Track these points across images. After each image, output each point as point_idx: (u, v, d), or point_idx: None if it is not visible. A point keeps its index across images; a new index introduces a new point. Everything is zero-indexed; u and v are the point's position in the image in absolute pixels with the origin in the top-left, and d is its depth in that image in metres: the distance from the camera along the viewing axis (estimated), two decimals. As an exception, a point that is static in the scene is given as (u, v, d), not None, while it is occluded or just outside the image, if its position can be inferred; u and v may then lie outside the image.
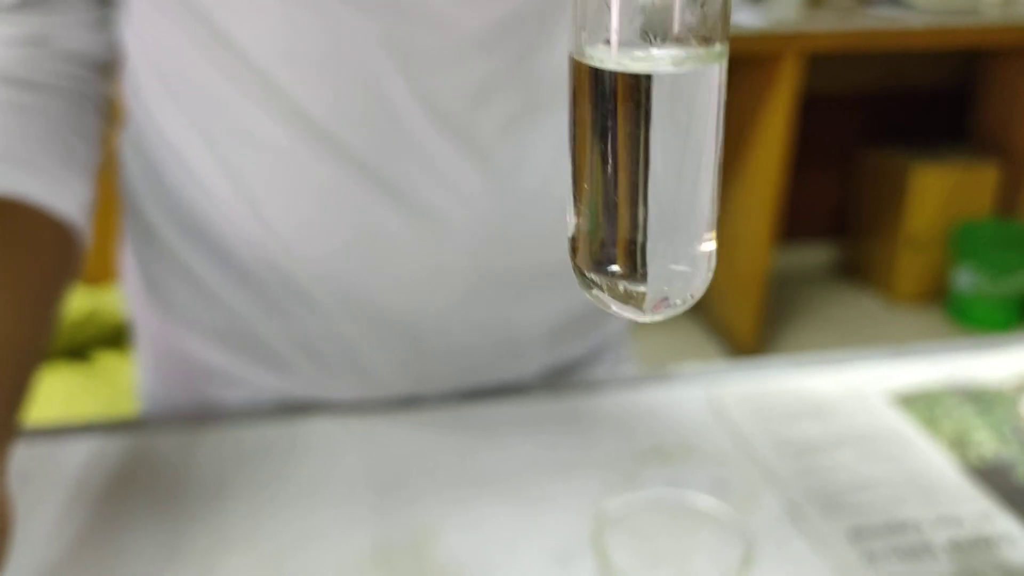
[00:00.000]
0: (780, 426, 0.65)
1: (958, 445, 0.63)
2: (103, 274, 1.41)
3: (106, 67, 0.59)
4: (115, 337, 1.55)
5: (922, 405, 0.68)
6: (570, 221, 0.27)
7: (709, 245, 0.27)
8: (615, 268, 0.26)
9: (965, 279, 2.73)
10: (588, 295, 0.28)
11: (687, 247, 0.26)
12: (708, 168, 0.26)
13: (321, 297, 0.62)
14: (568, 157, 0.27)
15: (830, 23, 2.40)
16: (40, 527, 0.55)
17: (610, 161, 0.25)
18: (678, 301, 0.27)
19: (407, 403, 0.68)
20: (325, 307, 0.63)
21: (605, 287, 0.27)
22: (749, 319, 2.55)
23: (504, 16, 0.54)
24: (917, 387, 0.70)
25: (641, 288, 0.26)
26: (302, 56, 0.54)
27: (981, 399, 0.68)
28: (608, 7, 0.24)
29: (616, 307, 0.27)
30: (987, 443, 0.64)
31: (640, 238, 0.26)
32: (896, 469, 0.61)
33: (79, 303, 1.51)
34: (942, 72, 3.00)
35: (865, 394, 0.69)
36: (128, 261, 0.71)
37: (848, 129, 3.00)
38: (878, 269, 2.97)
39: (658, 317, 0.27)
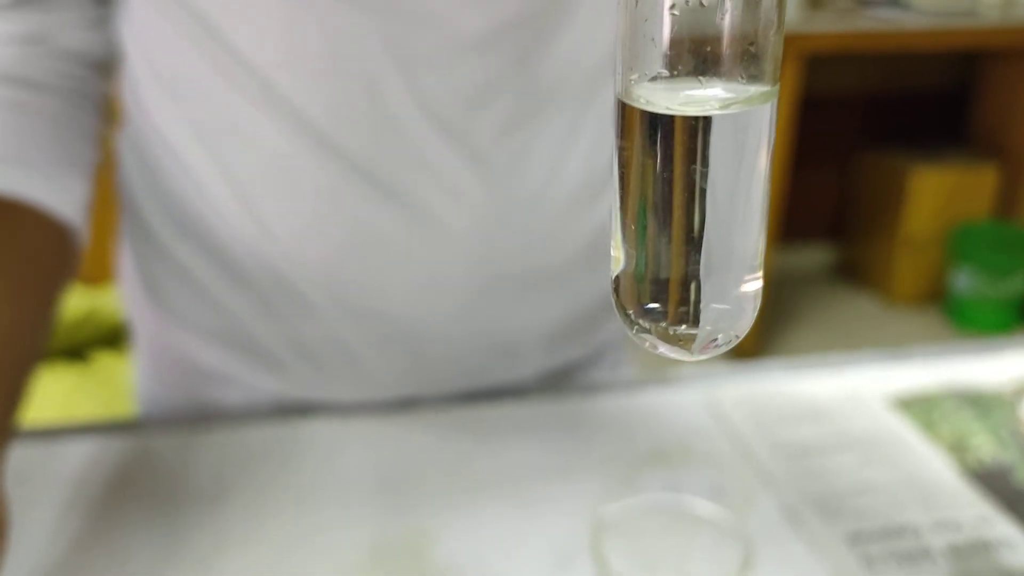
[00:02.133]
0: (779, 429, 0.65)
1: (957, 449, 0.63)
2: (101, 274, 1.41)
3: (104, 66, 0.59)
4: (113, 337, 1.55)
5: (920, 409, 0.68)
6: (615, 261, 0.27)
7: (756, 284, 0.27)
8: (663, 310, 0.26)
9: (963, 281, 2.73)
10: (632, 336, 0.27)
11: (735, 287, 0.26)
12: (757, 208, 0.26)
13: (318, 299, 0.62)
14: (615, 197, 0.27)
15: (829, 24, 2.40)
16: (37, 528, 0.55)
17: (659, 202, 0.25)
18: (724, 341, 0.27)
19: (405, 405, 0.68)
20: (322, 309, 0.63)
21: (652, 329, 0.27)
22: (747, 320, 2.55)
23: (502, 19, 0.54)
24: (916, 391, 0.70)
25: (691, 331, 0.26)
26: (300, 58, 0.54)
27: (979, 403, 0.68)
28: (656, 44, 0.24)
29: (664, 348, 0.27)
30: (986, 447, 0.64)
31: (690, 280, 0.26)
32: (894, 473, 0.61)
33: (77, 303, 1.50)
34: (941, 74, 3.01)
35: (863, 398, 0.69)
36: (126, 261, 0.71)
37: (847, 130, 3.00)
38: (876, 270, 2.97)
39: (704, 357, 0.27)
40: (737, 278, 0.26)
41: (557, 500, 0.58)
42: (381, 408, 0.67)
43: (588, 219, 0.64)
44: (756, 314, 0.27)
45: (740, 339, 0.27)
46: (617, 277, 0.27)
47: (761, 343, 2.65)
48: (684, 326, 0.26)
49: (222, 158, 0.59)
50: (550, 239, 0.63)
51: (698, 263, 0.26)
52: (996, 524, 0.56)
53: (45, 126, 0.54)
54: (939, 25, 2.41)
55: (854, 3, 2.59)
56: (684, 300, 0.26)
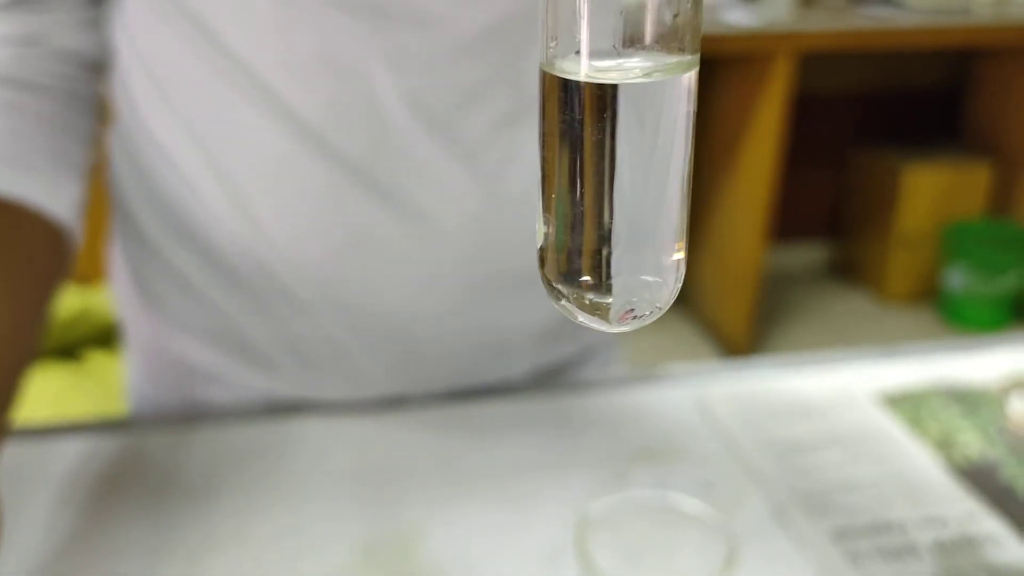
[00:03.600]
0: (767, 426, 0.66)
1: (944, 446, 0.64)
2: (94, 273, 1.41)
3: (99, 67, 0.60)
4: (106, 337, 1.55)
5: (908, 405, 0.68)
6: (539, 231, 0.27)
7: (677, 255, 0.27)
8: (581, 279, 0.26)
9: (957, 279, 2.74)
10: (555, 305, 0.28)
11: (654, 258, 0.26)
12: (676, 178, 0.26)
13: (310, 298, 0.62)
14: (539, 168, 0.27)
15: (823, 23, 2.40)
16: (29, 527, 0.55)
17: (578, 172, 0.25)
18: (645, 312, 0.27)
19: (395, 403, 0.68)
20: (314, 308, 0.63)
21: (572, 298, 0.27)
22: (741, 318, 2.55)
23: (494, 20, 0.54)
24: (904, 387, 0.70)
25: (607, 299, 0.26)
26: (294, 59, 0.54)
27: (967, 400, 0.69)
28: (580, 17, 0.24)
29: (583, 318, 0.27)
30: (973, 444, 0.64)
31: (606, 249, 0.26)
32: (882, 470, 0.61)
33: (70, 302, 1.50)
34: (934, 72, 3.01)
35: (852, 394, 0.70)
36: (117, 261, 0.71)
37: (841, 129, 3.01)
38: (870, 269, 2.98)
39: (624, 328, 0.27)
40: (656, 249, 0.26)
41: (546, 497, 0.58)
42: (371, 406, 0.67)
43: None
44: (679, 285, 0.27)
45: (662, 311, 0.27)
46: (541, 248, 0.27)
47: (755, 341, 2.65)
48: (599, 295, 0.26)
49: (214, 158, 0.59)
50: (540, 238, 0.63)
51: (613, 233, 0.26)
52: (982, 520, 0.57)
53: (40, 127, 0.54)
54: (933, 23, 2.42)
55: (847, 1, 2.59)
56: (599, 270, 0.26)
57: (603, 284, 0.26)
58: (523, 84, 0.57)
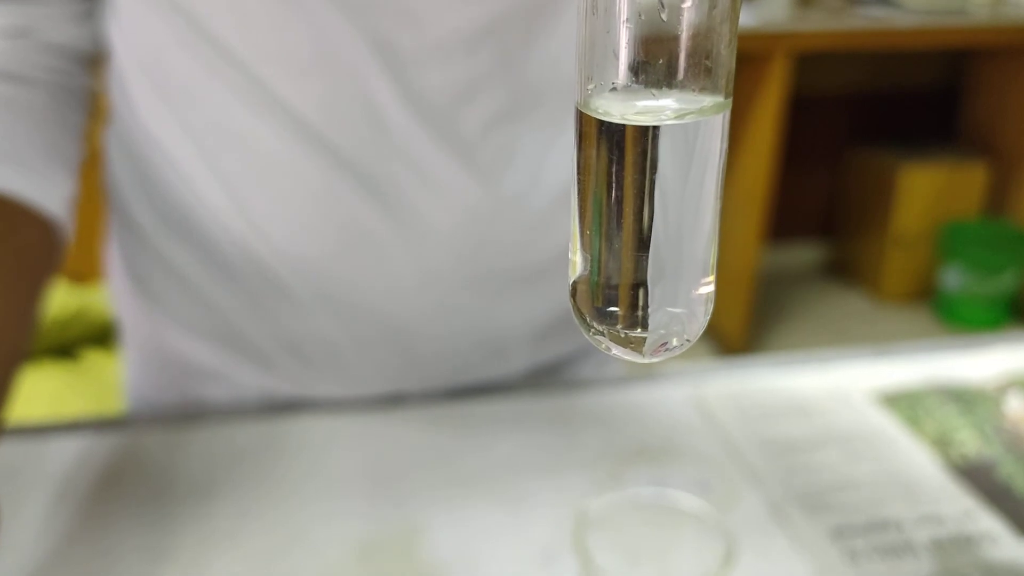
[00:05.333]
0: (764, 425, 0.66)
1: (941, 444, 0.64)
2: (90, 272, 1.41)
3: (90, 60, 0.59)
4: (102, 335, 1.55)
5: (905, 404, 0.68)
6: (572, 264, 0.28)
7: (707, 288, 0.27)
8: (616, 313, 0.27)
9: (953, 278, 2.74)
10: (588, 337, 0.28)
11: (687, 292, 0.27)
12: (709, 215, 0.26)
13: (306, 296, 0.62)
14: (573, 203, 0.27)
15: (819, 23, 2.40)
16: (26, 526, 0.55)
17: (613, 209, 0.26)
18: (676, 344, 0.27)
19: (392, 402, 0.68)
20: (310, 306, 0.63)
21: (606, 331, 0.27)
22: (738, 318, 2.56)
23: (488, 17, 0.54)
24: (900, 386, 0.71)
25: (642, 334, 0.27)
26: (286, 55, 0.54)
27: (964, 398, 0.69)
28: (616, 56, 0.24)
29: (616, 350, 0.28)
30: (969, 442, 0.64)
31: (641, 285, 0.26)
32: (879, 468, 0.61)
33: (66, 301, 1.50)
34: (931, 72, 3.02)
35: (849, 394, 0.70)
36: (114, 258, 0.71)
37: (837, 128, 3.01)
38: (866, 268, 2.98)
39: (656, 359, 0.28)
40: (688, 284, 0.27)
41: (544, 496, 0.58)
42: (369, 404, 0.67)
43: None
44: (708, 318, 0.28)
45: (692, 343, 0.28)
46: (574, 281, 0.28)
47: (752, 341, 2.66)
48: (635, 329, 0.27)
49: (210, 155, 0.59)
50: (538, 235, 0.63)
51: (649, 270, 0.26)
52: (979, 518, 0.57)
53: (30, 121, 0.54)
54: (929, 23, 2.42)
55: (844, 1, 2.59)
56: (635, 304, 0.27)
57: (638, 319, 0.27)
58: (519, 81, 0.57)
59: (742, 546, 0.53)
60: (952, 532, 0.56)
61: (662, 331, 0.27)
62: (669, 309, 0.27)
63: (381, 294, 0.62)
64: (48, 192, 0.54)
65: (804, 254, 3.19)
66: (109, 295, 0.75)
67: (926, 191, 2.75)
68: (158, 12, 0.56)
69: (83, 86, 0.59)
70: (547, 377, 0.74)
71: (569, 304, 0.29)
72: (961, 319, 2.77)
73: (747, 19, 2.32)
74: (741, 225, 2.48)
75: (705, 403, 0.68)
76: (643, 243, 0.26)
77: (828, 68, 2.87)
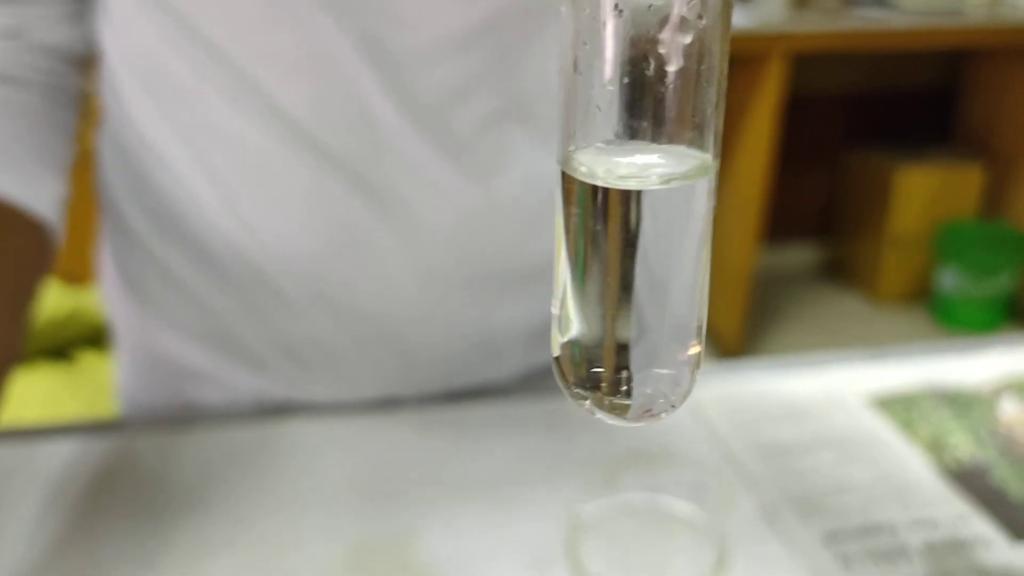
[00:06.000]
0: (758, 429, 0.66)
1: (935, 448, 0.64)
2: (84, 274, 1.40)
3: (82, 61, 0.59)
4: (96, 337, 1.55)
5: (899, 408, 0.68)
6: (554, 328, 0.27)
7: (693, 351, 0.27)
8: (600, 378, 0.26)
9: (949, 280, 2.74)
10: (573, 402, 0.28)
11: (673, 357, 0.26)
12: (695, 278, 0.26)
13: (299, 297, 0.62)
14: (556, 262, 0.27)
15: (816, 24, 2.41)
16: (18, 529, 0.55)
17: (597, 271, 0.25)
18: (661, 410, 0.27)
19: (386, 404, 0.68)
20: (303, 307, 0.63)
21: (590, 398, 0.27)
22: (734, 319, 2.56)
23: (481, 19, 0.54)
24: (895, 390, 0.71)
25: (626, 401, 0.26)
26: (278, 56, 0.54)
27: (958, 402, 0.69)
28: (599, 111, 0.24)
29: (601, 415, 0.27)
30: (963, 446, 0.64)
31: (625, 350, 0.26)
32: (872, 472, 0.61)
33: (60, 302, 1.50)
34: (927, 73, 3.02)
35: (843, 397, 0.70)
36: (106, 260, 0.71)
37: (833, 130, 3.01)
38: (862, 269, 2.98)
39: (641, 423, 0.27)
40: (674, 348, 0.26)
41: (537, 500, 0.58)
42: (363, 407, 0.67)
43: None
44: (695, 383, 0.27)
45: (677, 409, 0.27)
46: (559, 352, 0.27)
47: (748, 342, 2.66)
48: (619, 396, 0.26)
49: (202, 156, 0.59)
50: (532, 237, 0.63)
51: (634, 335, 0.26)
52: (973, 522, 0.57)
53: (21, 121, 0.54)
54: (925, 24, 2.42)
55: (840, 2, 2.59)
56: (619, 371, 0.26)
57: (623, 386, 0.26)
58: (512, 82, 0.57)
59: (735, 550, 0.52)
60: (946, 536, 0.55)
61: (647, 396, 0.26)
62: (654, 373, 0.26)
63: (375, 296, 0.62)
64: (38, 193, 0.54)
65: (800, 255, 3.19)
66: (102, 297, 0.75)
67: (922, 192, 2.75)
68: (148, 12, 0.56)
69: (74, 87, 0.59)
70: (542, 380, 0.74)
71: (553, 368, 0.28)
72: (957, 320, 2.77)
73: (743, 20, 2.32)
74: (737, 226, 2.48)
75: (699, 406, 0.68)
76: (627, 307, 0.25)
77: (824, 69, 2.87)
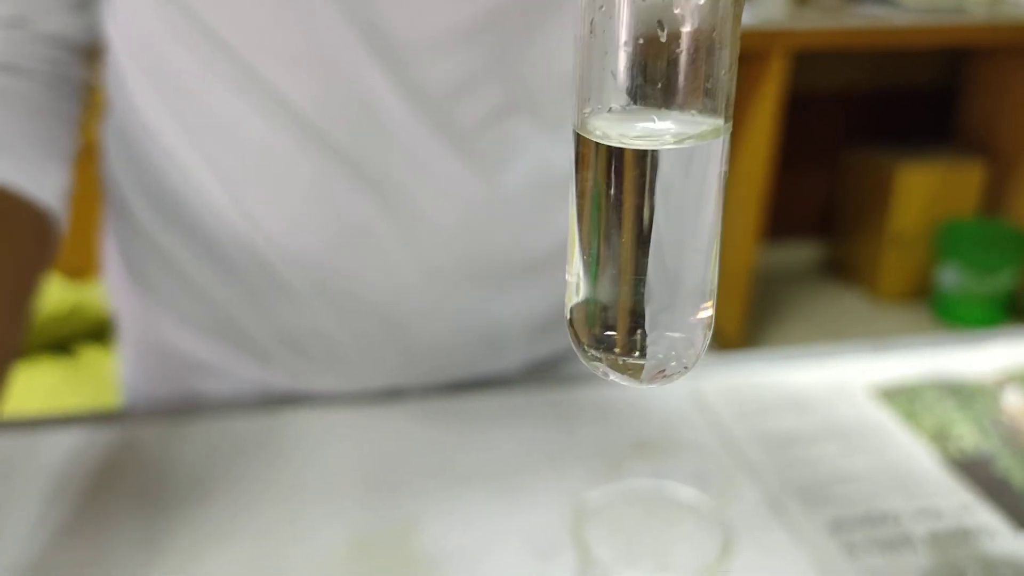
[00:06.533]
0: (762, 419, 0.66)
1: (939, 438, 0.64)
2: (86, 268, 1.40)
3: (86, 51, 0.59)
4: (98, 331, 1.55)
5: (903, 399, 0.68)
6: (569, 292, 0.28)
7: (706, 313, 0.27)
8: (613, 339, 0.27)
9: (950, 277, 2.74)
10: (585, 363, 0.28)
11: (685, 318, 0.26)
12: (708, 240, 0.26)
13: (303, 289, 0.62)
14: (570, 226, 0.27)
15: (817, 21, 2.40)
16: (21, 520, 0.54)
17: (612, 233, 0.26)
18: (673, 371, 0.27)
19: (390, 396, 0.68)
20: (307, 299, 0.63)
21: (604, 359, 0.27)
22: (735, 317, 2.56)
23: (486, 10, 0.54)
24: (898, 381, 0.71)
25: (639, 360, 0.27)
26: (282, 48, 0.54)
27: (962, 393, 0.69)
28: (614, 77, 0.24)
29: (614, 376, 0.27)
30: (967, 436, 0.64)
31: (639, 310, 0.26)
32: (877, 462, 0.61)
33: (62, 297, 1.50)
34: (928, 71, 3.02)
35: (847, 388, 0.70)
36: (111, 252, 0.71)
37: (834, 127, 3.01)
38: (863, 267, 2.98)
39: (654, 385, 0.27)
40: (687, 309, 0.26)
41: (542, 490, 0.58)
42: (366, 398, 0.67)
43: None
44: (707, 344, 0.27)
45: (689, 370, 0.27)
46: (572, 307, 0.28)
47: (749, 340, 2.66)
48: (633, 356, 0.27)
49: (206, 147, 0.59)
50: (536, 229, 0.63)
51: (647, 297, 0.26)
52: (977, 512, 0.57)
53: (26, 111, 0.54)
54: (926, 22, 2.42)
55: (841, 0, 2.59)
56: (633, 331, 0.26)
57: (636, 345, 0.26)
58: (517, 75, 0.57)
59: (740, 539, 0.52)
60: (950, 526, 0.55)
61: (660, 357, 0.26)
62: (667, 334, 0.26)
63: (379, 287, 0.62)
64: (42, 183, 0.54)
65: (801, 253, 3.19)
66: (106, 289, 0.75)
67: (923, 190, 2.75)
68: (153, 3, 0.56)
69: (78, 76, 0.59)
70: (545, 372, 0.74)
71: (567, 329, 0.28)
72: (958, 318, 2.77)
73: (745, 17, 2.31)
74: (738, 224, 2.48)
75: (703, 398, 0.68)
76: (641, 268, 0.26)
77: (826, 67, 2.87)
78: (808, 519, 0.56)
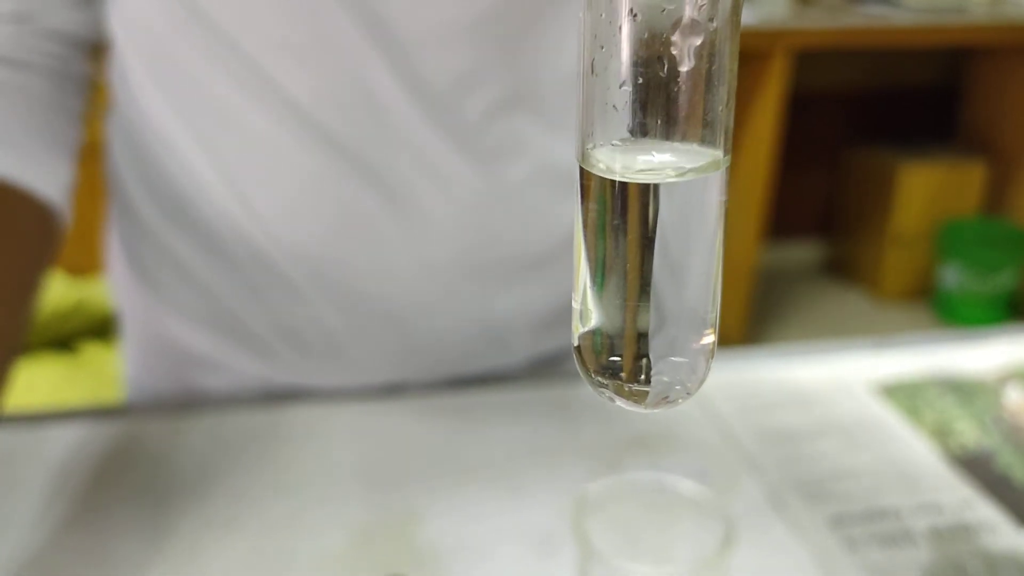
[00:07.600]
0: (763, 415, 0.66)
1: (940, 434, 0.64)
2: (89, 265, 1.40)
3: (90, 46, 0.59)
4: (101, 328, 1.55)
5: (905, 395, 0.68)
6: (575, 320, 0.29)
7: (708, 340, 0.28)
8: (619, 367, 0.28)
9: (951, 277, 2.74)
10: (593, 390, 0.29)
11: (689, 345, 0.27)
12: (710, 269, 0.27)
13: (304, 284, 0.62)
14: (575, 256, 0.28)
15: (819, 20, 2.40)
16: (24, 514, 0.55)
17: (616, 264, 0.27)
18: (678, 397, 0.28)
19: (392, 390, 0.68)
20: (309, 294, 0.63)
21: (610, 385, 0.28)
22: (737, 316, 2.56)
23: (489, 4, 0.54)
24: (900, 378, 0.71)
25: (644, 387, 0.28)
26: (286, 42, 0.54)
27: (963, 389, 0.69)
28: (615, 114, 0.25)
29: (620, 402, 0.28)
30: (968, 433, 0.64)
31: (643, 339, 0.27)
32: (878, 458, 0.61)
33: (65, 294, 1.50)
34: (930, 70, 3.02)
35: (848, 384, 0.70)
36: (114, 246, 0.71)
37: (836, 127, 3.01)
38: (865, 267, 2.98)
39: (658, 410, 0.28)
40: (689, 337, 0.27)
41: (543, 485, 0.58)
42: (368, 393, 0.67)
43: None
44: (709, 370, 0.28)
45: (692, 395, 0.28)
46: (579, 337, 0.29)
47: (750, 339, 2.66)
48: (638, 383, 0.28)
49: (209, 142, 0.59)
50: (538, 226, 0.63)
51: (652, 324, 0.27)
52: (978, 508, 0.57)
53: (29, 106, 0.54)
54: (928, 22, 2.42)
55: (843, 0, 2.59)
56: (638, 359, 0.27)
57: (641, 372, 0.27)
58: (520, 70, 0.57)
59: (741, 533, 0.53)
60: (950, 521, 0.56)
61: (664, 383, 0.27)
62: (671, 361, 0.27)
63: (381, 282, 0.62)
64: (45, 178, 0.54)
65: (803, 252, 3.19)
66: (109, 284, 0.75)
67: (925, 190, 2.75)
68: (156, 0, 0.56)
69: (82, 72, 0.59)
70: (547, 368, 0.74)
71: (575, 358, 0.29)
72: (959, 317, 2.77)
73: (746, 16, 2.31)
74: (740, 223, 2.48)
75: (704, 393, 0.68)
76: (645, 297, 0.27)
77: (827, 66, 2.87)
78: (809, 514, 0.56)
